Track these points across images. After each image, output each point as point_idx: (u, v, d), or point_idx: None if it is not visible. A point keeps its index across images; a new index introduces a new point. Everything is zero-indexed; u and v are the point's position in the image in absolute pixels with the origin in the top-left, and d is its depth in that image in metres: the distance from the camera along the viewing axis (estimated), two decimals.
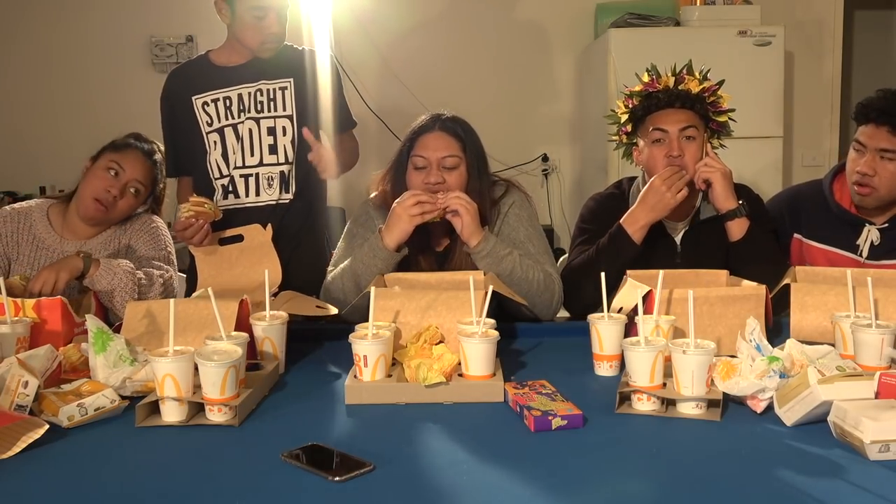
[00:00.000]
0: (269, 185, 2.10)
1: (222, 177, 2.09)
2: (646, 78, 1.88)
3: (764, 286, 1.50)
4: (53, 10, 4.17)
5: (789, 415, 1.10)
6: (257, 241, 1.85)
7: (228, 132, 2.08)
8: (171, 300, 1.29)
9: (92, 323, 1.31)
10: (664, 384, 1.20)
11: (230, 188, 2.09)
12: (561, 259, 2.17)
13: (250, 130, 2.07)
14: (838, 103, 4.37)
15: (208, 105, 2.08)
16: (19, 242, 1.95)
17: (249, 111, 2.07)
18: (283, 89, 2.08)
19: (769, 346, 1.22)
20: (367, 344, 1.26)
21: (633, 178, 2.03)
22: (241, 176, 2.09)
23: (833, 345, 1.31)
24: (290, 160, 2.09)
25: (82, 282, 1.76)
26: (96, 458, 1.06)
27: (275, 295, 1.61)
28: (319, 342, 1.63)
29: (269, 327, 1.41)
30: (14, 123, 4.21)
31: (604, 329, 1.36)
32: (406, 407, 1.23)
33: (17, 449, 1.06)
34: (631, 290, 1.45)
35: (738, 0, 3.88)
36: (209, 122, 2.09)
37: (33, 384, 1.17)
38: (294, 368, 1.47)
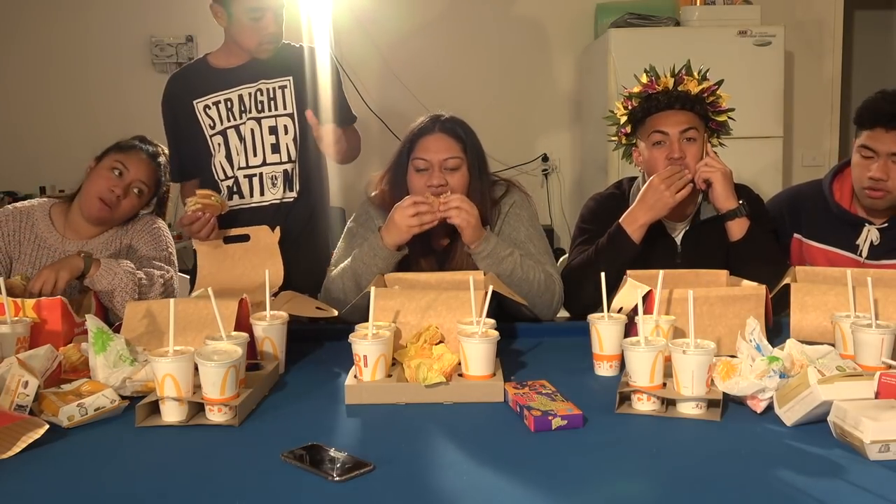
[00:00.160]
0: (273, 185, 2.10)
1: (227, 178, 2.10)
2: (644, 79, 1.88)
3: (764, 286, 1.50)
4: (53, 10, 4.17)
5: (789, 415, 1.10)
6: (263, 242, 1.85)
7: (231, 134, 2.09)
8: (171, 300, 1.29)
9: (92, 323, 1.31)
10: (664, 384, 1.20)
11: (235, 189, 2.10)
12: (561, 259, 2.17)
13: (252, 131, 2.08)
14: (838, 103, 4.37)
15: (210, 108, 2.09)
16: (21, 241, 1.95)
17: (250, 112, 2.07)
18: (282, 88, 2.09)
19: (769, 346, 1.22)
20: (367, 344, 1.26)
21: (633, 179, 2.02)
22: (245, 176, 2.09)
23: (833, 345, 1.31)
24: (293, 158, 2.10)
25: (83, 282, 1.76)
26: (96, 458, 1.06)
27: (275, 295, 1.61)
28: (319, 342, 1.63)
29: (270, 327, 1.41)
30: (14, 123, 4.21)
31: (604, 329, 1.36)
32: (406, 407, 1.23)
33: (17, 449, 1.06)
34: (631, 290, 1.45)
35: (738, 0, 3.88)
36: (212, 124, 2.10)
37: (33, 384, 1.17)
38: (294, 368, 1.47)
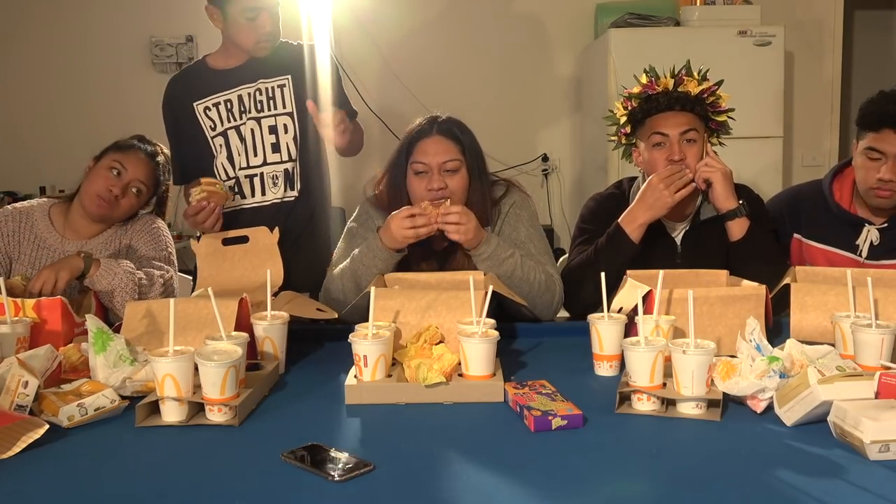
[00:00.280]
0: (274, 184, 2.11)
1: (229, 178, 2.11)
2: (644, 79, 1.88)
3: (764, 286, 1.50)
4: (53, 10, 4.17)
5: (789, 415, 1.10)
6: (262, 243, 1.85)
7: (232, 134, 2.09)
8: (171, 300, 1.29)
9: (92, 323, 1.31)
10: (664, 384, 1.20)
11: (236, 189, 2.11)
12: (561, 259, 2.17)
13: (252, 131, 2.08)
14: (838, 103, 4.37)
15: (210, 110, 2.09)
16: (20, 242, 1.95)
17: (250, 112, 2.08)
18: (281, 87, 2.09)
19: (769, 346, 1.22)
20: (367, 344, 1.26)
21: (633, 179, 2.02)
22: (246, 176, 2.10)
23: (833, 345, 1.31)
24: (294, 157, 2.10)
25: (83, 282, 1.76)
26: (96, 458, 1.06)
27: (275, 295, 1.61)
28: (319, 342, 1.63)
29: (270, 327, 1.41)
30: (14, 123, 4.21)
31: (604, 329, 1.36)
32: (406, 407, 1.23)
33: (17, 449, 1.06)
34: (631, 290, 1.45)
35: (738, 0, 3.88)
36: (212, 126, 2.10)
37: (33, 384, 1.17)
38: (294, 368, 1.47)
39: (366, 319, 1.33)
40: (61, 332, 1.46)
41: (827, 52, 4.33)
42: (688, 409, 1.16)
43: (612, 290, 1.47)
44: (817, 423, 1.09)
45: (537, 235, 1.82)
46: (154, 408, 1.19)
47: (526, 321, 1.70)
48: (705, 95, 1.86)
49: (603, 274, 1.39)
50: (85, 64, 4.19)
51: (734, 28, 3.67)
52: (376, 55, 4.18)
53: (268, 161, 2.09)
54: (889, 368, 1.17)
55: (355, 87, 4.05)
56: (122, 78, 4.16)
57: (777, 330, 1.54)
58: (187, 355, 1.17)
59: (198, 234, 2.19)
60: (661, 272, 1.37)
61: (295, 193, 2.12)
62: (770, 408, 1.14)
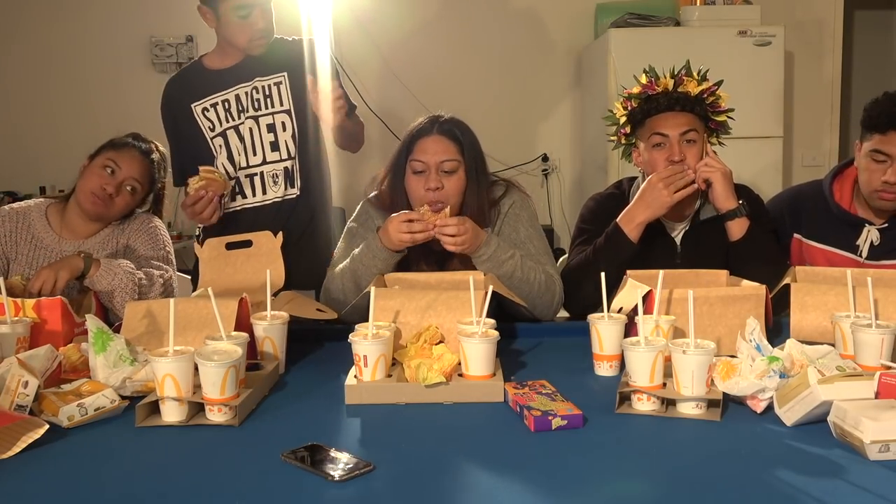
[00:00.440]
0: (275, 182, 2.10)
1: (230, 179, 2.10)
2: (644, 80, 1.88)
3: (764, 286, 1.50)
4: (53, 10, 4.17)
5: (789, 415, 1.10)
6: (265, 247, 1.84)
7: (231, 134, 2.09)
8: (171, 300, 1.29)
9: (92, 323, 1.31)
10: (664, 384, 1.20)
11: (237, 189, 2.10)
12: (561, 259, 2.17)
13: (251, 130, 2.08)
14: (838, 103, 4.37)
15: (208, 110, 2.09)
16: (17, 242, 1.95)
17: (248, 111, 2.07)
18: (277, 84, 2.08)
19: (769, 346, 1.22)
20: (367, 344, 1.26)
21: (633, 179, 2.02)
22: (246, 176, 2.10)
23: (833, 345, 1.31)
24: (293, 155, 2.10)
25: (82, 282, 1.76)
26: (96, 458, 1.06)
27: (275, 295, 1.61)
28: (319, 342, 1.63)
29: (270, 327, 1.41)
30: (14, 123, 4.22)
31: (604, 329, 1.36)
32: (406, 407, 1.23)
33: (17, 449, 1.06)
34: (631, 290, 1.45)
35: (738, 0, 3.88)
36: (211, 126, 2.09)
37: (33, 384, 1.17)
38: (294, 368, 1.47)
39: (366, 319, 1.33)
40: (61, 332, 1.46)
41: (827, 52, 4.33)
42: (688, 409, 1.16)
43: (612, 290, 1.47)
44: (817, 423, 1.09)
45: (537, 235, 1.82)
46: (154, 408, 1.19)
47: (526, 321, 1.70)
48: (705, 95, 1.86)
49: (603, 274, 1.39)
50: (85, 64, 4.19)
51: (734, 28, 3.67)
52: (376, 55, 4.18)
53: (267, 160, 2.09)
54: (890, 368, 1.17)
55: (355, 87, 4.05)
56: (121, 78, 4.16)
57: (777, 330, 1.54)
58: (187, 355, 1.17)
59: (197, 234, 2.19)
60: (661, 272, 1.37)
61: (296, 191, 2.12)
62: (770, 408, 1.14)
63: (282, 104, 2.09)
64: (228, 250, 1.87)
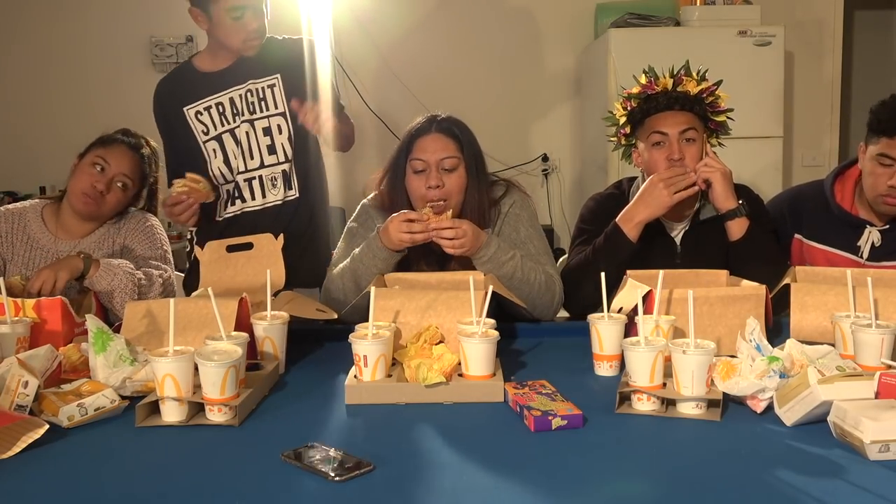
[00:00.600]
0: (273, 185, 2.10)
1: (227, 182, 2.09)
2: (643, 80, 1.88)
3: (764, 286, 1.50)
4: (53, 10, 4.17)
5: (789, 415, 1.10)
6: (266, 250, 1.84)
7: (227, 138, 2.07)
8: (171, 300, 1.29)
9: (92, 323, 1.31)
10: (664, 384, 1.20)
11: (236, 193, 2.09)
12: (561, 259, 2.17)
13: (247, 133, 2.06)
14: (838, 103, 4.37)
15: (202, 114, 2.07)
16: (14, 243, 1.95)
17: (243, 114, 2.06)
18: (271, 87, 2.07)
19: (769, 346, 1.22)
20: (367, 344, 1.26)
21: (633, 179, 2.02)
22: (245, 180, 2.08)
23: (833, 345, 1.31)
24: (290, 158, 2.09)
25: (82, 282, 1.75)
26: (96, 458, 1.06)
27: (275, 295, 1.61)
28: (319, 342, 1.64)
29: (270, 327, 1.41)
30: (14, 123, 4.21)
31: (604, 329, 1.37)
32: (406, 407, 1.23)
33: (17, 449, 1.06)
34: (631, 290, 1.45)
35: (738, 0, 3.88)
36: (205, 130, 2.07)
37: (33, 384, 1.17)
38: (294, 368, 1.47)
39: (366, 319, 1.33)
40: (61, 332, 1.46)
41: (827, 52, 4.32)
42: (688, 409, 1.16)
43: (612, 290, 1.47)
44: (817, 423, 1.09)
45: (537, 236, 1.82)
46: (154, 408, 1.19)
47: (526, 321, 1.70)
48: (704, 95, 1.86)
49: (603, 274, 1.39)
50: (85, 64, 4.19)
51: (734, 28, 3.67)
52: (376, 55, 4.18)
53: (265, 163, 2.08)
54: (891, 367, 1.17)
55: (355, 87, 4.06)
56: (121, 78, 4.16)
57: (777, 330, 1.54)
58: (187, 355, 1.17)
59: (189, 237, 2.18)
60: (661, 272, 1.37)
61: (294, 193, 2.12)
62: (770, 408, 1.14)
63: (276, 107, 2.07)
64: (229, 253, 1.87)
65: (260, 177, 2.09)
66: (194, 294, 1.65)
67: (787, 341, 1.26)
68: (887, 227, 1.90)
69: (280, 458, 1.02)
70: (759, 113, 3.65)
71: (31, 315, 1.46)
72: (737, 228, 1.83)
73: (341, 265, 1.75)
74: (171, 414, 1.17)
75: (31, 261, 1.94)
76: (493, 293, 1.36)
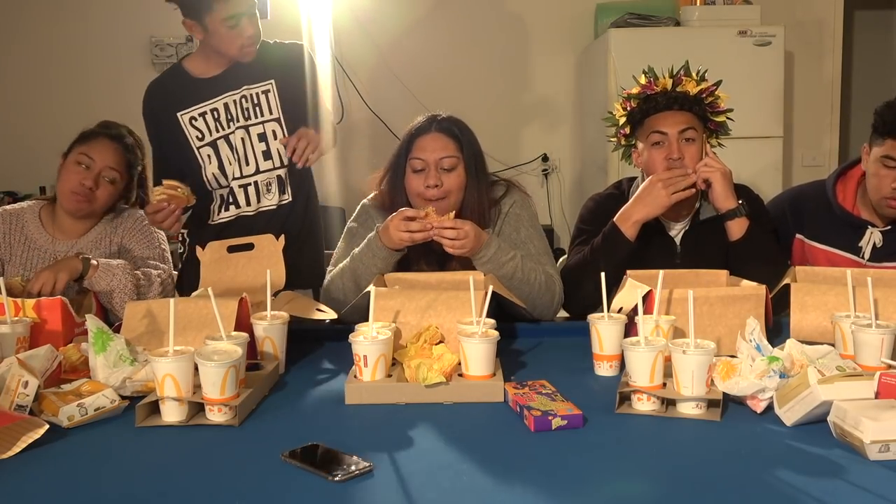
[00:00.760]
0: (268, 191, 2.09)
1: (221, 188, 2.08)
2: (643, 80, 1.88)
3: (764, 286, 1.50)
4: (53, 10, 4.17)
5: (789, 415, 1.10)
6: (267, 250, 1.84)
7: (222, 144, 2.05)
8: (171, 300, 1.29)
9: (92, 323, 1.31)
10: (664, 384, 1.20)
11: (230, 199, 2.08)
12: (560, 259, 2.17)
13: (242, 139, 2.05)
14: (838, 103, 4.37)
15: (196, 120, 2.05)
16: (11, 244, 1.95)
17: (238, 120, 2.04)
18: (266, 93, 2.06)
19: (769, 346, 1.22)
20: (367, 344, 1.26)
21: (632, 179, 2.02)
22: (239, 186, 2.07)
23: (833, 345, 1.31)
24: (285, 163, 2.08)
25: (81, 283, 1.75)
26: (96, 458, 1.07)
27: (275, 295, 1.61)
28: (319, 342, 1.64)
29: (270, 327, 1.41)
30: (14, 123, 4.21)
31: (604, 329, 1.37)
32: (406, 407, 1.23)
33: (17, 449, 1.06)
34: (631, 290, 1.45)
35: (738, 0, 3.88)
36: (199, 136, 2.05)
37: (33, 384, 1.17)
38: (294, 368, 1.47)
39: (366, 319, 1.33)
40: (61, 332, 1.46)
41: (827, 52, 4.32)
42: (688, 409, 1.16)
43: (612, 289, 1.47)
44: (817, 423, 1.09)
45: (537, 236, 1.82)
46: (154, 408, 1.19)
47: (526, 321, 1.70)
48: (704, 95, 1.86)
49: (603, 274, 1.39)
50: (85, 64, 4.18)
51: (734, 28, 3.67)
52: (376, 55, 4.18)
53: (261, 169, 2.07)
54: (891, 367, 1.17)
55: (355, 87, 4.06)
56: (122, 78, 4.15)
57: (777, 330, 1.54)
58: (187, 355, 1.17)
59: (181, 237, 2.18)
60: (661, 272, 1.37)
61: (288, 197, 2.11)
62: (770, 408, 1.15)
63: (271, 112, 2.06)
64: (230, 253, 1.87)
65: (255, 182, 2.07)
66: (194, 294, 1.65)
67: (787, 341, 1.26)
68: (889, 228, 1.90)
69: (280, 458, 1.02)
70: (759, 113, 3.65)
71: (31, 315, 1.46)
72: (737, 228, 1.83)
73: (341, 265, 1.75)
74: (171, 414, 1.17)
75: (29, 261, 1.94)
76: (493, 293, 1.36)
